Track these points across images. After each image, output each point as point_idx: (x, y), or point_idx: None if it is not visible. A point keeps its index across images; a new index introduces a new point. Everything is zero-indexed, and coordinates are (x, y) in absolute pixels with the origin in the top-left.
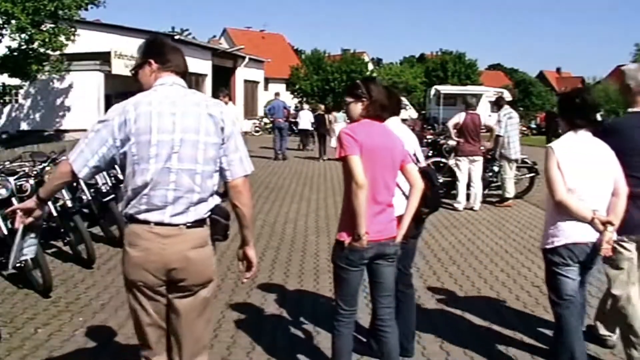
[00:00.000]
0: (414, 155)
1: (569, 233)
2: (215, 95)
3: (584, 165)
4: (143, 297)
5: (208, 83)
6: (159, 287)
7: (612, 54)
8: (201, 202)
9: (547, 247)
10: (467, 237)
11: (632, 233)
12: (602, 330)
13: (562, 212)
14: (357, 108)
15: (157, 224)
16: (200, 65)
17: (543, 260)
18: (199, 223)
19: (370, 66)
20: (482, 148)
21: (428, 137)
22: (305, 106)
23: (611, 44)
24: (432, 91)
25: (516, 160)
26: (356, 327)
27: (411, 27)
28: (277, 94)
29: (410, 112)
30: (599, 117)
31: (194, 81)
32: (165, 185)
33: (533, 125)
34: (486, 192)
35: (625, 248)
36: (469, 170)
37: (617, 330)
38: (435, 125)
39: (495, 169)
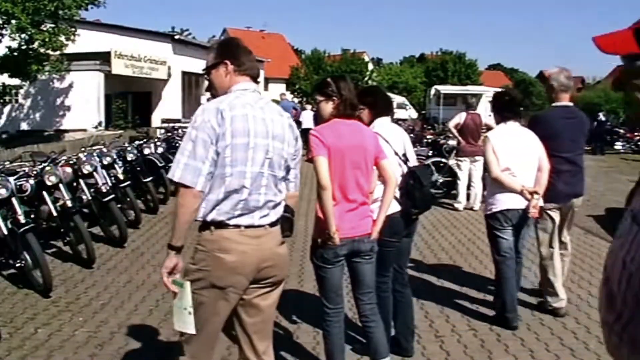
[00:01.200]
0: (403, 155)
1: (503, 201)
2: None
3: (514, 149)
4: (223, 302)
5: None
6: (243, 290)
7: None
8: (280, 204)
9: (488, 213)
10: (467, 237)
11: (557, 201)
12: (552, 302)
13: (497, 185)
14: (328, 107)
15: (247, 227)
16: (200, 65)
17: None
18: (276, 222)
19: (370, 66)
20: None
21: (428, 137)
22: (307, 106)
23: None
24: (432, 91)
25: None
26: (356, 328)
27: (411, 27)
28: (282, 95)
29: (410, 112)
30: (602, 116)
31: (194, 81)
32: (259, 190)
33: None
34: (486, 192)
35: (549, 216)
36: (469, 170)
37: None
38: (435, 125)
39: None
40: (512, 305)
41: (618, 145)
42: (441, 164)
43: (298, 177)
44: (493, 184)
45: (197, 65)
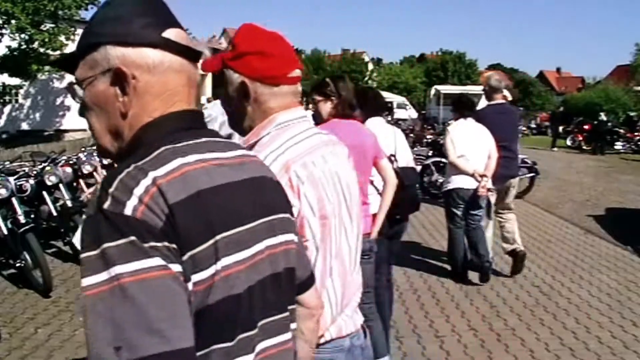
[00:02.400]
0: (392, 155)
1: (457, 182)
2: (215, 95)
3: (469, 139)
4: None
5: (208, 83)
6: None
7: (612, 53)
8: None
9: (444, 190)
10: None
11: (494, 184)
12: (506, 245)
13: (454, 168)
14: (326, 107)
15: None
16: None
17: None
18: None
19: (370, 66)
20: None
21: (428, 137)
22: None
23: (611, 43)
24: (432, 91)
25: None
26: None
27: (411, 27)
28: None
29: (410, 112)
30: (602, 116)
31: None
32: None
33: (533, 125)
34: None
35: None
36: None
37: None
38: (435, 125)
39: None
40: (463, 262)
41: (618, 145)
42: (441, 164)
43: None
44: (450, 167)
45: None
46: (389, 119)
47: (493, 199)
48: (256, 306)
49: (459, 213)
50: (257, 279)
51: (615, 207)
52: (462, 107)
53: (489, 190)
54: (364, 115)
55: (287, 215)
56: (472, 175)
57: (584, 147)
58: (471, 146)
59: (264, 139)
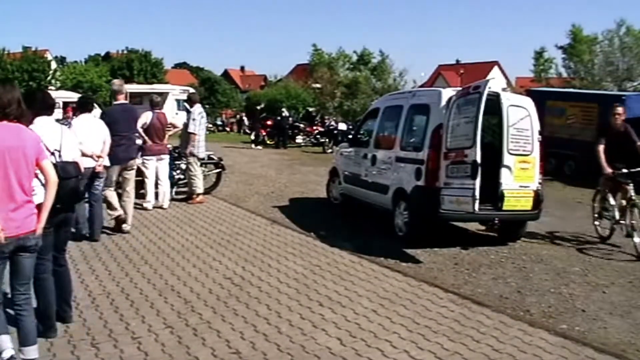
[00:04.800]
0: (57, 150)
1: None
2: None
3: (88, 130)
4: None
5: None
6: None
7: (292, 53)
8: None
9: None
10: (158, 235)
11: (119, 163)
12: (111, 212)
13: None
14: None
15: None
16: None
17: None
18: None
19: (54, 65)
20: (169, 146)
21: None
22: None
23: (291, 43)
24: None
25: (203, 158)
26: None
27: (97, 25)
28: None
29: (95, 112)
30: (285, 111)
31: None
32: None
33: (219, 122)
34: (175, 189)
35: (110, 172)
36: (156, 169)
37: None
38: None
39: (183, 166)
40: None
41: (299, 139)
42: None
43: None
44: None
45: None
46: (70, 117)
47: (115, 175)
48: None
49: (81, 189)
50: None
51: (297, 197)
52: (81, 106)
53: (106, 167)
54: (32, 115)
55: None
56: (91, 157)
57: (268, 142)
58: (89, 135)
59: None
